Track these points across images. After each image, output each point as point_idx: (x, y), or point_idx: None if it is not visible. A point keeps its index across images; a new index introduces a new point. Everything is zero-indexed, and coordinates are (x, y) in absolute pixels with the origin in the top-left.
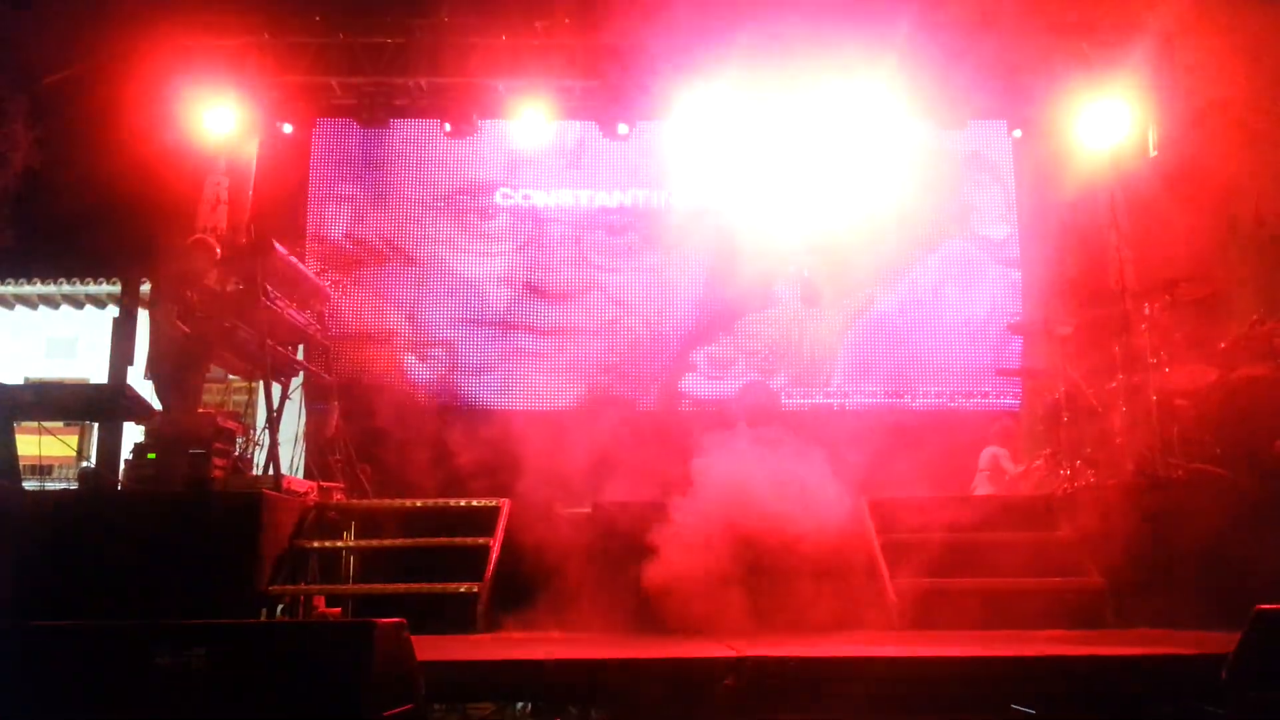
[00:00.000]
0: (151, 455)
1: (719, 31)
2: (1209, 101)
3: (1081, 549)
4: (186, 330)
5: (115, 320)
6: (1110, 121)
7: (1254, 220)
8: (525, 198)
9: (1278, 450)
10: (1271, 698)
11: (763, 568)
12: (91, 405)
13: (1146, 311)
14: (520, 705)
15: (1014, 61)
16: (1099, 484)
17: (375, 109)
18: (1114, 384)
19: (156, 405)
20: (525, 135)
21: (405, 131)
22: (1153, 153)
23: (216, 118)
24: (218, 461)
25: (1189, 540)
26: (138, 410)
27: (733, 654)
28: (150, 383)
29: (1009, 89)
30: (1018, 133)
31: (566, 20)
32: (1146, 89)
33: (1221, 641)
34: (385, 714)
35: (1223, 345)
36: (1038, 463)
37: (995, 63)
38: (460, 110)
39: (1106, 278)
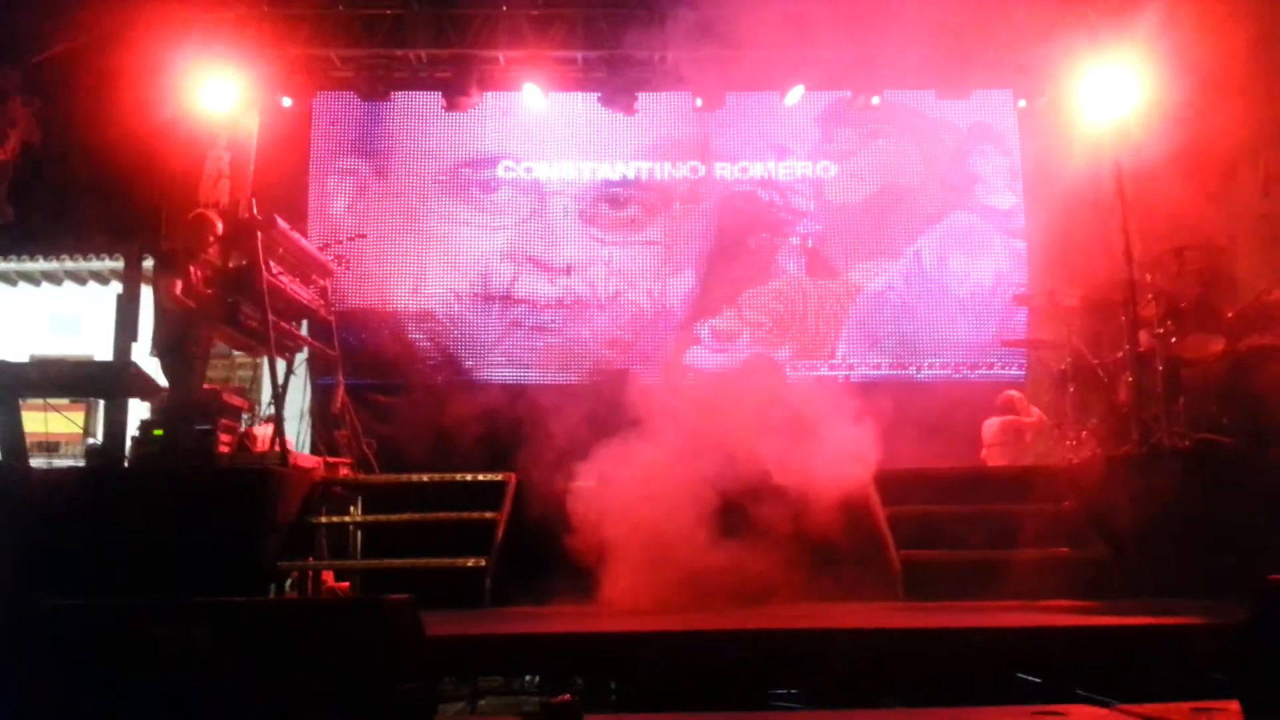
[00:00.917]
0: (158, 432)
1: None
2: (1213, 69)
3: (1087, 519)
4: (190, 306)
5: (119, 296)
6: (1116, 90)
7: (1260, 189)
8: (527, 170)
9: None
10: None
11: (769, 540)
12: (96, 382)
13: (1151, 280)
14: (529, 677)
15: (1019, 30)
16: (1105, 454)
17: (375, 81)
18: (1120, 354)
19: (162, 382)
20: (527, 107)
21: (406, 104)
22: (1158, 121)
23: (217, 91)
24: (223, 438)
25: (1195, 510)
26: (142, 387)
27: (738, 626)
28: (155, 359)
29: (1014, 58)
30: (1023, 102)
31: None
32: (1152, 56)
33: (1228, 610)
34: (395, 689)
35: (1230, 315)
36: (1051, 423)
37: (1000, 31)
38: (461, 82)
39: (1112, 247)
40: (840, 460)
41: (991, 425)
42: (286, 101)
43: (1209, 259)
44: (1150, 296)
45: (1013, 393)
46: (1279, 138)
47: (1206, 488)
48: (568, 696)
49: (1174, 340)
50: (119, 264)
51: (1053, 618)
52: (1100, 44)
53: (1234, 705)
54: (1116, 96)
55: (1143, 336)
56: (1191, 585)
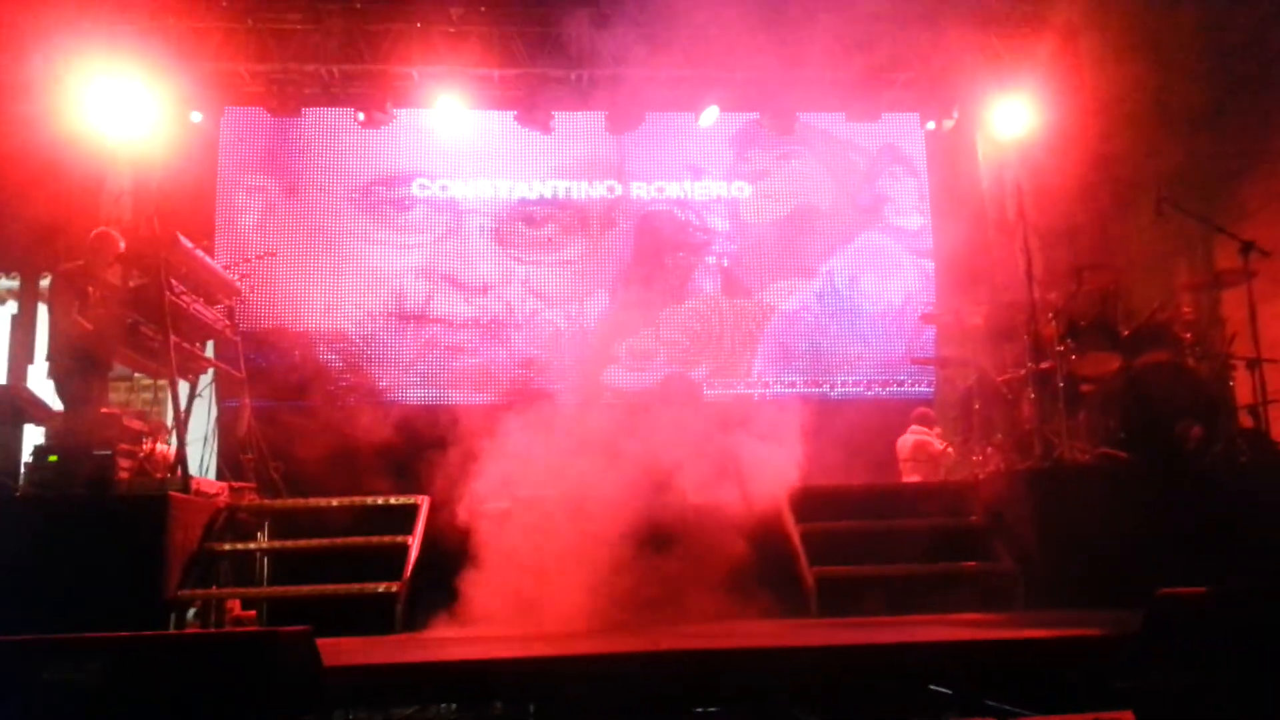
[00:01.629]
0: (53, 458)
1: (638, 20)
2: (1110, 94)
3: (993, 533)
4: (87, 327)
5: (14, 317)
6: (1018, 114)
7: (1153, 209)
8: (443, 188)
9: (1179, 434)
10: (1172, 676)
11: (683, 559)
12: None
13: (1052, 300)
14: (444, 705)
15: (926, 56)
16: (1009, 469)
17: (285, 97)
18: (1022, 371)
19: (59, 405)
20: (442, 124)
21: (318, 120)
22: (1058, 145)
23: (120, 104)
24: (123, 463)
25: (1096, 523)
26: (34, 412)
27: (655, 647)
28: (52, 381)
29: (921, 83)
30: (931, 124)
31: (482, 8)
32: (1053, 82)
33: (1127, 621)
34: None
35: (1125, 332)
36: (957, 439)
37: (908, 57)
38: (374, 98)
39: (1015, 267)
40: (754, 478)
41: (905, 442)
42: (196, 116)
43: (1106, 279)
44: (1050, 315)
45: (924, 409)
46: (1170, 157)
47: (1106, 501)
48: None
49: (1073, 358)
50: (15, 283)
51: (960, 631)
52: (1003, 71)
53: (1128, 715)
54: (1019, 121)
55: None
56: (1093, 596)
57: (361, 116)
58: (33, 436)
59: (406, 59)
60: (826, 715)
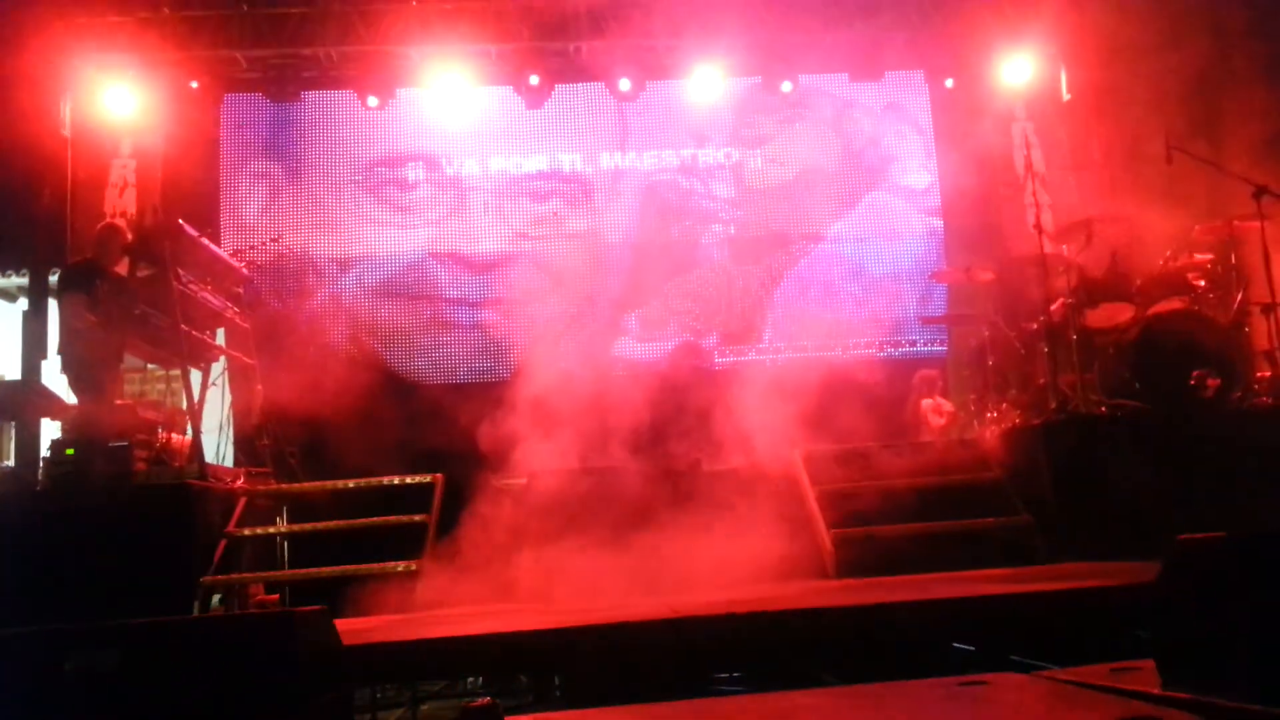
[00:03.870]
0: (70, 451)
1: None
2: (1116, 44)
3: (1010, 489)
4: (97, 320)
5: (25, 313)
6: (1024, 67)
7: (1164, 158)
8: (446, 166)
9: (1195, 382)
10: (1192, 623)
11: (699, 525)
12: (1, 402)
13: (1065, 252)
14: (471, 679)
15: (928, 11)
16: (1025, 424)
17: (283, 82)
18: (1035, 325)
19: (72, 399)
20: (442, 102)
21: (318, 104)
22: (1066, 96)
23: (118, 97)
24: (140, 454)
25: (1113, 474)
26: (50, 405)
27: (673, 614)
28: (65, 376)
29: (924, 39)
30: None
31: None
32: (1058, 34)
33: (1146, 571)
34: (310, 703)
35: (1138, 282)
36: (972, 396)
37: (910, 13)
38: (373, 80)
39: (1024, 221)
40: (768, 442)
41: (919, 405)
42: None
43: (1117, 229)
44: (1062, 268)
45: (927, 373)
46: (1180, 106)
47: (1122, 452)
48: (487, 700)
49: (1086, 310)
50: (25, 280)
51: (980, 587)
52: (1009, 22)
53: (1149, 664)
54: (1025, 74)
55: (1056, 307)
56: (1112, 548)
57: (375, 101)
58: (49, 431)
59: (404, 38)
60: (850, 676)
